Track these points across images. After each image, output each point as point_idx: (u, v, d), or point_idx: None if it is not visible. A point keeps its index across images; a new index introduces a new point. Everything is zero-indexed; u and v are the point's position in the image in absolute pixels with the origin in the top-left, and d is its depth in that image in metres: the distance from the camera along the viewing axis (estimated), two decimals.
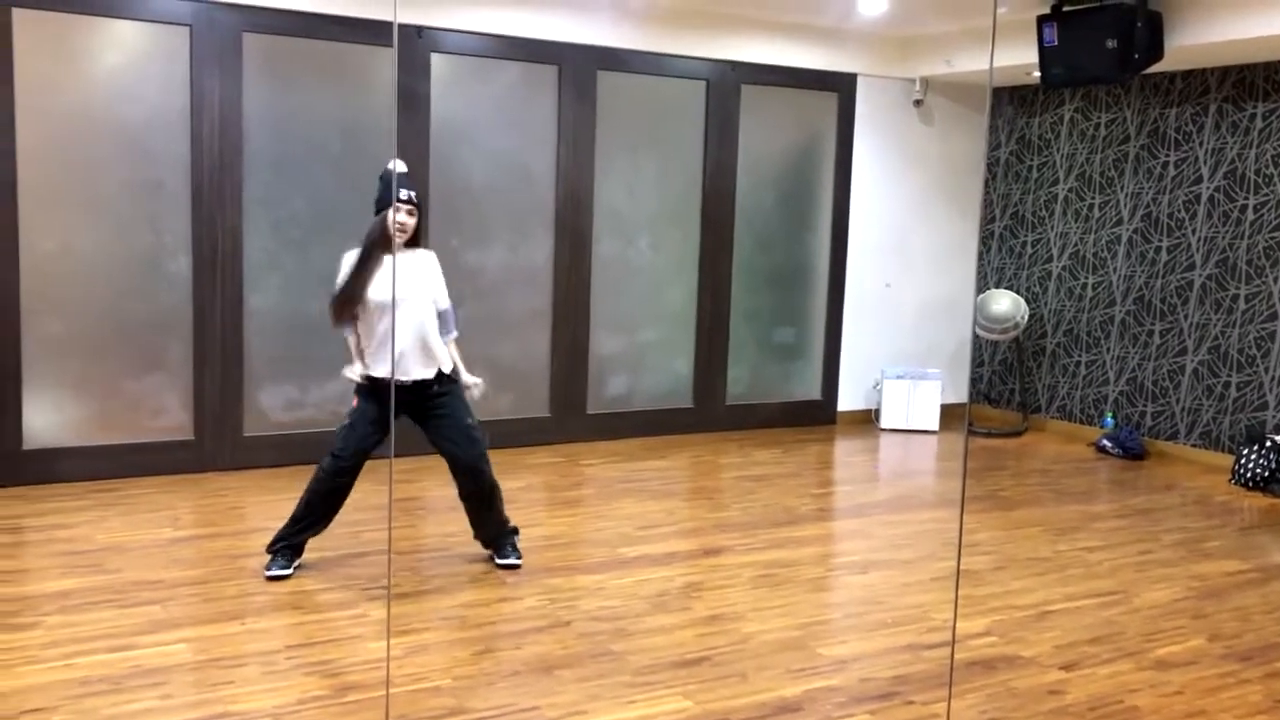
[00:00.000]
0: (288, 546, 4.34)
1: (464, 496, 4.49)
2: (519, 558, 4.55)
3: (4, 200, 5.30)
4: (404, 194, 4.22)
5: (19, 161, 5.31)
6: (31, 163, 5.35)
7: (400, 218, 4.22)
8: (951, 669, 3.65)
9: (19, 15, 5.24)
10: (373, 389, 4.30)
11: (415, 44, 6.14)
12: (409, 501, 5.50)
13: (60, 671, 3.42)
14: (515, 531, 4.64)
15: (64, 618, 3.85)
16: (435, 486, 5.76)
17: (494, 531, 4.56)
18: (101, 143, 5.51)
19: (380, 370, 4.26)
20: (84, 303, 5.56)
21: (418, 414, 4.36)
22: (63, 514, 5.07)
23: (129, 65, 5.57)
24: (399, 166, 4.31)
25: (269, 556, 4.33)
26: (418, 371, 4.29)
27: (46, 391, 5.51)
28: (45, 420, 5.52)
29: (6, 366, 5.38)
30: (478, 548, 4.75)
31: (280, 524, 4.40)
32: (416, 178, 6.18)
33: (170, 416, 5.81)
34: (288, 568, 4.30)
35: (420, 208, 4.38)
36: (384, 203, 4.26)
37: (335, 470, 4.27)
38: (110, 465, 5.65)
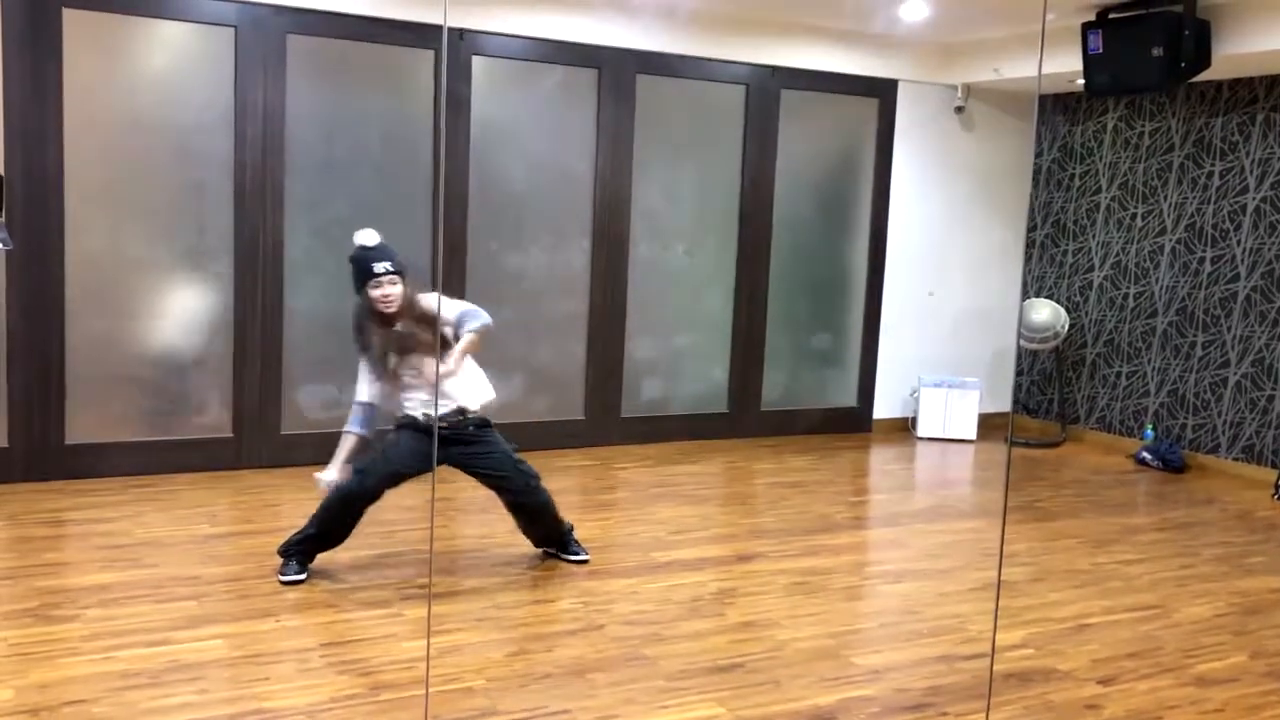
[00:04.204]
0: (301, 553, 4.32)
1: (520, 516, 4.58)
2: (586, 551, 4.68)
3: (51, 198, 5.37)
4: (379, 266, 4.20)
5: (65, 160, 5.38)
6: (78, 161, 5.42)
7: (384, 291, 4.20)
8: (991, 681, 3.62)
9: (68, 15, 5.32)
10: (413, 426, 4.33)
11: (457, 47, 6.18)
12: (443, 502, 5.52)
13: (100, 664, 3.46)
14: (572, 528, 4.72)
15: (103, 611, 3.89)
16: (469, 488, 5.75)
17: (556, 536, 4.66)
18: (146, 142, 5.58)
19: (418, 410, 4.31)
20: (126, 300, 5.63)
21: (460, 457, 4.37)
22: (103, 508, 5.13)
23: (175, 66, 5.63)
24: (370, 239, 4.28)
25: (281, 560, 4.32)
26: (453, 404, 4.32)
27: (89, 387, 5.58)
28: (87, 415, 5.59)
29: (50, 362, 5.46)
30: (511, 550, 4.76)
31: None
32: (457, 180, 6.23)
33: (210, 414, 5.86)
34: (302, 572, 4.28)
35: (403, 273, 4.28)
36: (360, 283, 4.25)
37: (359, 489, 4.24)
38: (150, 461, 5.71)
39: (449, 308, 4.32)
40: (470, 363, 4.35)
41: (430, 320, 4.25)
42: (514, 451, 4.48)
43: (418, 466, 4.28)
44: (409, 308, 4.27)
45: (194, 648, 3.62)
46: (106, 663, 3.48)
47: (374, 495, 4.28)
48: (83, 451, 5.58)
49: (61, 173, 5.38)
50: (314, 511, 4.33)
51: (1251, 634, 4.20)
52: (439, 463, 4.38)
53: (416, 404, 4.31)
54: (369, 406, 4.33)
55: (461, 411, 4.33)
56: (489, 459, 4.40)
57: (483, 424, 4.41)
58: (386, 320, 4.25)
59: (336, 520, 4.29)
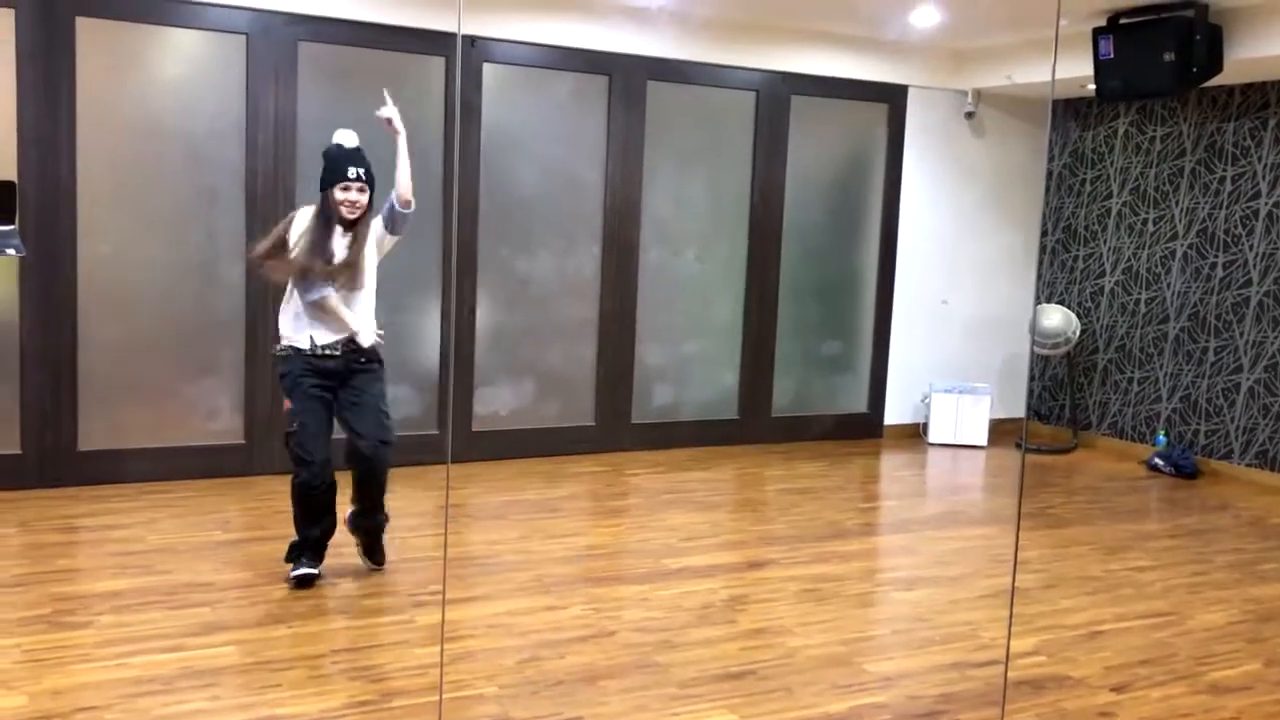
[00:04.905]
0: (303, 554, 4.31)
1: (356, 479, 4.34)
2: (381, 561, 4.51)
3: (63, 204, 5.40)
4: (352, 171, 4.16)
5: (79, 166, 5.41)
6: (90, 167, 5.45)
7: (351, 196, 4.17)
8: (1005, 688, 3.61)
9: (81, 23, 5.34)
10: (303, 369, 4.21)
11: (468, 54, 6.19)
12: (454, 508, 5.53)
13: (113, 671, 3.47)
14: (386, 520, 4.49)
15: (116, 617, 3.90)
16: (481, 493, 5.79)
17: (370, 524, 4.43)
18: (158, 149, 5.60)
19: (302, 337, 4.21)
20: (139, 306, 5.65)
21: (338, 383, 4.26)
22: (116, 514, 5.15)
23: (187, 73, 5.66)
24: (349, 140, 4.24)
25: (290, 564, 4.31)
26: (351, 332, 4.23)
27: (101, 393, 5.60)
28: (100, 422, 5.61)
29: (63, 368, 5.48)
30: (523, 556, 4.77)
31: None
32: (468, 186, 6.25)
33: (221, 420, 5.88)
34: (314, 565, 4.29)
35: (372, 184, 4.24)
36: (329, 181, 4.20)
37: (313, 481, 4.18)
38: (162, 467, 5.73)
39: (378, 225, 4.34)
40: (369, 295, 4.30)
41: (360, 261, 4.24)
42: (387, 411, 4.35)
43: (327, 424, 4.24)
44: (364, 223, 4.25)
45: (207, 654, 3.63)
46: (119, 669, 3.49)
47: (326, 482, 4.20)
48: (95, 457, 5.60)
49: (74, 179, 5.41)
50: (294, 518, 4.32)
51: (1266, 642, 4.18)
52: (327, 385, 4.23)
53: (311, 329, 4.20)
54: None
55: (351, 341, 4.23)
56: (360, 398, 4.26)
57: (371, 359, 4.30)
58: (341, 225, 4.20)
59: (310, 516, 4.26)
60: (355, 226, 4.25)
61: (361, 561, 4.51)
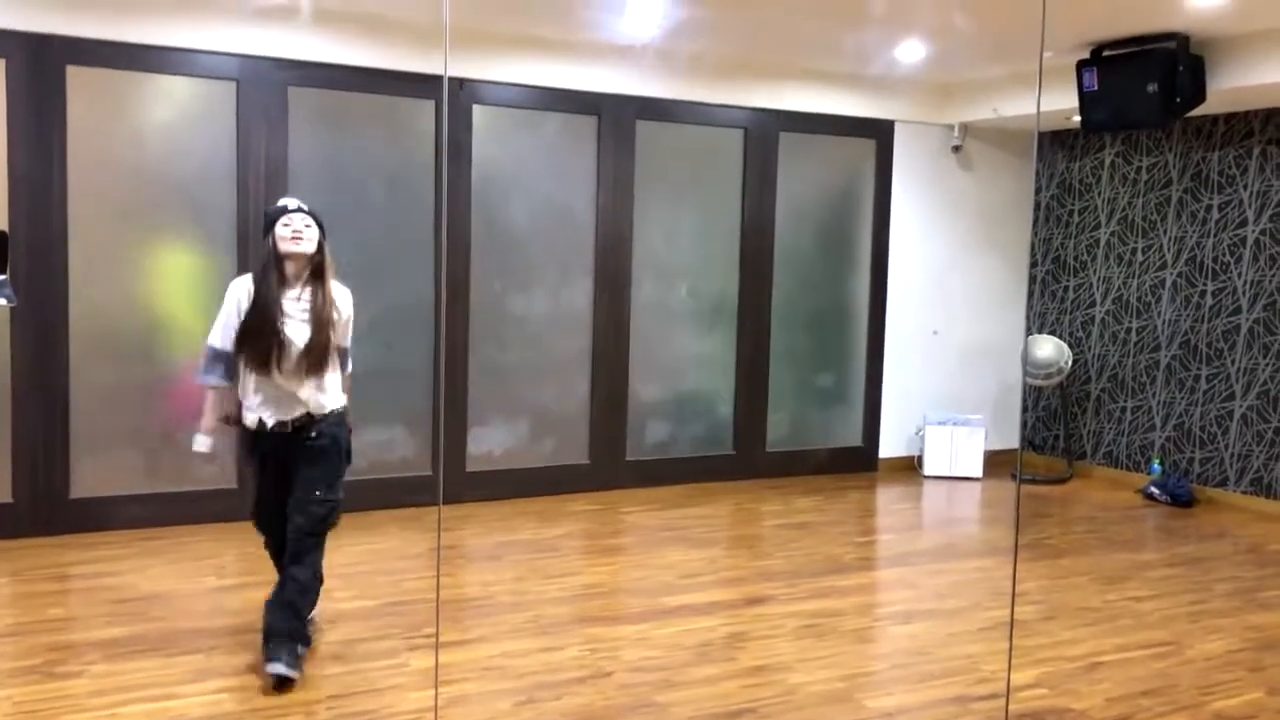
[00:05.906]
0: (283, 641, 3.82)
1: (288, 543, 3.92)
2: (290, 669, 3.70)
3: (55, 249, 5.40)
4: (292, 204, 3.85)
5: (70, 213, 5.41)
6: (82, 214, 5.45)
7: (295, 227, 3.78)
8: None
9: (72, 71, 5.37)
10: (252, 443, 3.96)
11: (457, 96, 6.23)
12: (449, 550, 5.50)
13: None
14: (305, 641, 3.88)
15: (109, 666, 3.86)
16: (475, 534, 5.76)
17: (280, 626, 3.78)
18: (150, 194, 5.61)
19: (268, 413, 3.87)
20: (130, 352, 5.63)
21: (287, 459, 3.90)
22: (108, 562, 5.11)
23: (177, 119, 5.68)
24: (289, 204, 3.89)
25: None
26: (307, 408, 3.86)
27: (93, 440, 5.57)
28: (92, 469, 5.58)
29: (54, 415, 5.46)
30: (518, 597, 4.74)
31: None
32: (460, 226, 6.27)
33: (215, 466, 5.84)
34: (294, 669, 3.77)
35: (320, 225, 3.88)
36: (270, 222, 3.84)
37: (272, 551, 4.12)
38: (155, 513, 5.69)
39: (347, 329, 4.00)
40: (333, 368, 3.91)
41: (329, 323, 3.84)
42: (332, 496, 3.89)
43: (286, 481, 3.92)
44: (321, 279, 3.84)
45: (200, 702, 3.59)
46: (112, 719, 3.45)
47: (276, 536, 4.03)
48: (88, 505, 5.56)
49: (65, 227, 5.41)
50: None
51: (1267, 670, 4.16)
52: (268, 460, 3.93)
53: (261, 405, 3.87)
54: (228, 354, 3.88)
55: (309, 416, 3.87)
56: (302, 477, 3.87)
57: (332, 434, 3.91)
58: (289, 281, 3.82)
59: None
60: (313, 285, 3.85)
61: (267, 668, 3.72)
